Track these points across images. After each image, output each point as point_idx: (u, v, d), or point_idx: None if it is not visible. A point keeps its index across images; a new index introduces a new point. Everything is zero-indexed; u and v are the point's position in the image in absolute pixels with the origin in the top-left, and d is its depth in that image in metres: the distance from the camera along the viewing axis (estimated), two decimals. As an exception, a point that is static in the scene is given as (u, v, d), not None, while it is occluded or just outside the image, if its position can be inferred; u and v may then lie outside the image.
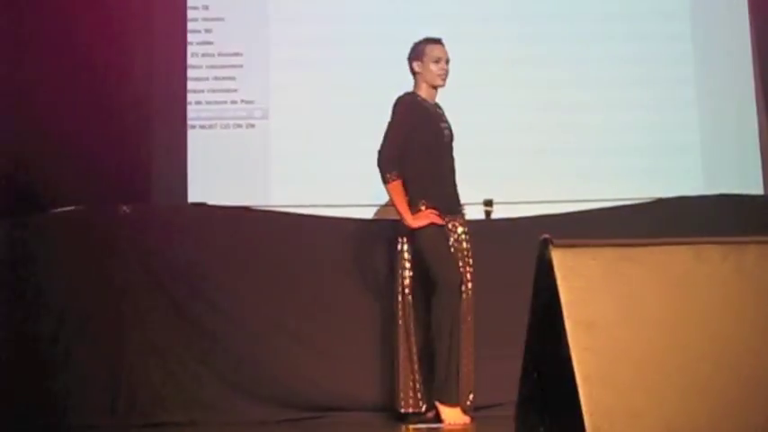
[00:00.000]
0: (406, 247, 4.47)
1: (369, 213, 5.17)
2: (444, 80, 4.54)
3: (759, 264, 1.97)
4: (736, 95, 5.67)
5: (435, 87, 4.55)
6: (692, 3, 5.72)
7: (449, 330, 4.28)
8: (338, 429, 4.54)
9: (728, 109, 5.65)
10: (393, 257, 4.63)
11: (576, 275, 1.90)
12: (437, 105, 4.58)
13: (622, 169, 5.44)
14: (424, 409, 4.37)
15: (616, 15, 5.64)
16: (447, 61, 4.53)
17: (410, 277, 4.46)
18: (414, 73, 4.55)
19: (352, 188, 5.27)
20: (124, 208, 4.80)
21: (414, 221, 4.32)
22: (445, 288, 4.30)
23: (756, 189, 5.52)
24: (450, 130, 4.54)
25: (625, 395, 1.79)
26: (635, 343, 1.86)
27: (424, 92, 4.54)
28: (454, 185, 4.54)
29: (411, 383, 4.40)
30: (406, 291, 4.46)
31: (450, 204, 4.49)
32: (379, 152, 4.35)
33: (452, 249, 4.42)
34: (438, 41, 4.56)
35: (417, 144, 4.43)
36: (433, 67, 4.51)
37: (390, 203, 4.48)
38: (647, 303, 1.91)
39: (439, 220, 4.36)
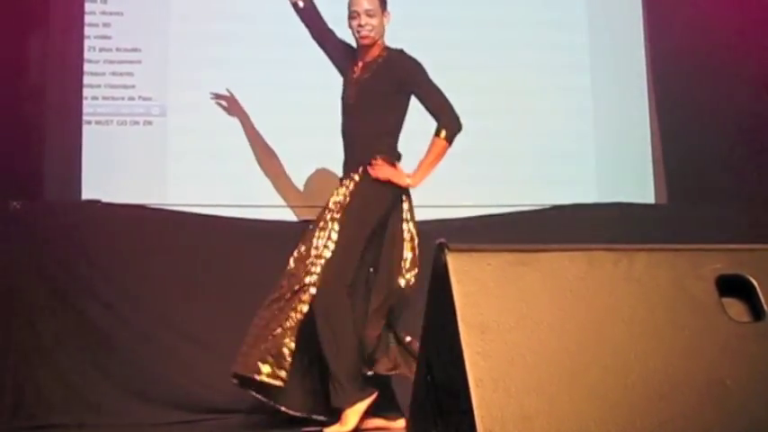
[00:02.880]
0: None
1: (266, 214, 5.14)
2: (367, 37, 4.21)
3: (648, 271, 2.01)
4: (630, 106, 5.79)
5: (363, 46, 4.27)
6: (589, 14, 5.82)
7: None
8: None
9: (623, 119, 5.76)
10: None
11: (471, 280, 1.91)
12: (374, 61, 4.28)
13: (518, 175, 5.51)
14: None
15: (515, 23, 5.70)
16: (368, 13, 4.18)
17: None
18: None
19: (249, 188, 5.23)
20: (14, 204, 4.68)
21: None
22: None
23: (647, 198, 5.65)
24: (361, 89, 4.26)
25: (517, 398, 1.80)
26: (527, 347, 1.88)
27: (359, 52, 4.32)
28: (353, 147, 4.30)
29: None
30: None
31: (345, 167, 4.33)
32: None
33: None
34: None
35: None
36: (351, 23, 4.25)
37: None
38: (541, 308, 1.93)
39: None
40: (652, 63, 5.81)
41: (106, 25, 5.39)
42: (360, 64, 4.32)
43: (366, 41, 4.24)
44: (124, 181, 5.16)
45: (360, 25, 4.19)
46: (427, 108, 4.23)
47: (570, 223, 5.11)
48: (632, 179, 5.70)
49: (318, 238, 4.15)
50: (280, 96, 5.25)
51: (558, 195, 5.40)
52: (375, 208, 4.20)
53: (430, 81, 4.23)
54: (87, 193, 5.12)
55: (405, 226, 4.22)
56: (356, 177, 4.22)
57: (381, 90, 4.25)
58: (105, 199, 4.96)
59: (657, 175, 5.73)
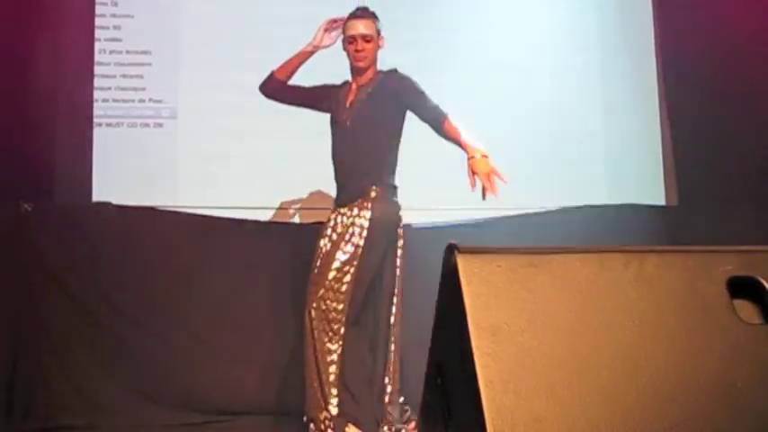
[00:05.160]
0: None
1: (276, 215, 5.15)
2: (362, 61, 4.25)
3: (659, 272, 2.00)
4: (641, 107, 5.78)
5: (358, 69, 4.29)
6: (600, 17, 5.82)
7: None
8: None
9: (634, 120, 5.76)
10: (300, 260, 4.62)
11: (481, 281, 1.91)
12: (369, 83, 4.29)
13: (529, 177, 5.50)
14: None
15: (526, 26, 5.70)
16: (365, 38, 4.23)
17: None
18: None
19: (259, 190, 5.23)
20: (26, 206, 4.70)
21: None
22: None
23: (658, 200, 5.64)
24: (357, 112, 4.24)
25: (527, 400, 1.80)
26: (538, 349, 1.87)
27: (353, 75, 4.34)
28: (349, 174, 4.24)
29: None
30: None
31: (340, 196, 4.28)
32: None
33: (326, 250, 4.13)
34: (355, 16, 4.28)
35: None
36: (348, 47, 4.29)
37: None
38: (551, 310, 1.93)
39: None
40: (663, 64, 5.81)
41: (116, 28, 5.41)
42: (354, 86, 4.36)
43: (361, 65, 4.27)
44: (134, 183, 5.17)
45: (356, 50, 4.25)
46: (422, 118, 4.20)
47: (581, 225, 5.10)
48: (643, 181, 5.70)
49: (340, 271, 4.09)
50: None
51: (568, 197, 5.39)
52: (385, 245, 4.20)
53: (423, 93, 4.21)
54: (98, 196, 5.14)
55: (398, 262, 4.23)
56: (366, 213, 4.16)
57: (378, 108, 4.24)
58: (116, 201, 4.97)
59: (668, 177, 5.72)
